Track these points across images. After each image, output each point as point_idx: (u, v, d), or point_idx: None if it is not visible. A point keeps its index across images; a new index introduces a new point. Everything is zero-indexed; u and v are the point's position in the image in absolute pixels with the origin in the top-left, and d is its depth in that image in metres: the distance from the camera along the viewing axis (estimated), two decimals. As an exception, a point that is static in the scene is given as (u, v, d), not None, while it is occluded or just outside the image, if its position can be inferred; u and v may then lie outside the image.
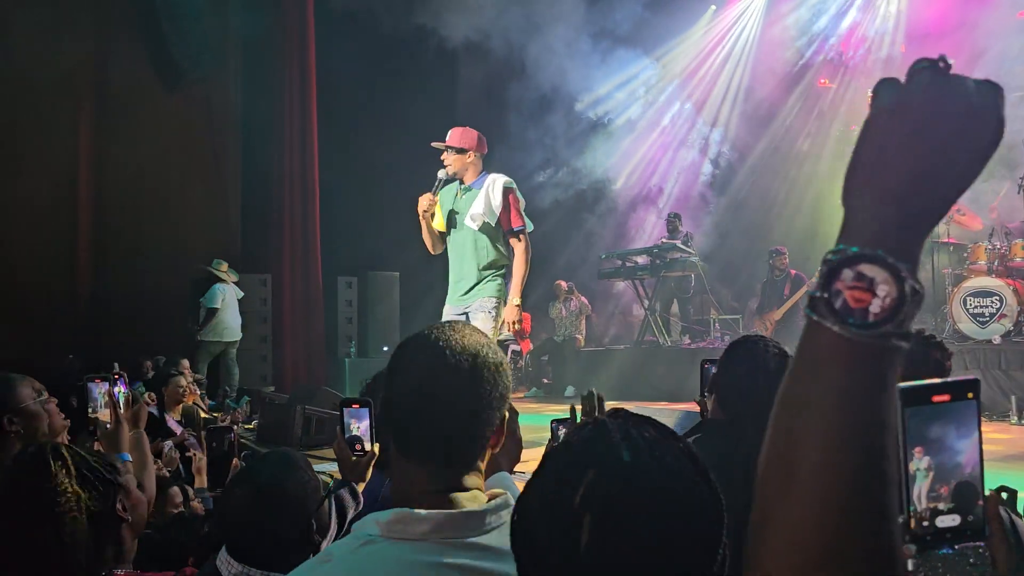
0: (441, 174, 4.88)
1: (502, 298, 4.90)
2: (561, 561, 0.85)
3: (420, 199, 4.85)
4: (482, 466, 1.26)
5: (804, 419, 0.59)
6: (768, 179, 12.72)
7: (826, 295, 0.60)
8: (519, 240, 4.86)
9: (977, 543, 0.77)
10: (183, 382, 5.21)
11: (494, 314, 4.88)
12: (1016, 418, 6.68)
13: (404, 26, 10.49)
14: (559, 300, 11.45)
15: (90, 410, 3.43)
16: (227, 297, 9.61)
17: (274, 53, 10.90)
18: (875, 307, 0.58)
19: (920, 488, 0.78)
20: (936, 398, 0.76)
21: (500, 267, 4.93)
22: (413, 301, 11.22)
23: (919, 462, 0.77)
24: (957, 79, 0.62)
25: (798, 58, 12.63)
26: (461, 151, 4.85)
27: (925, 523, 0.78)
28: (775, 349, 2.17)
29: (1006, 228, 8.27)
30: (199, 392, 6.95)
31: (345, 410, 2.07)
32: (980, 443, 0.78)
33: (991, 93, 0.61)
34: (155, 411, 4.59)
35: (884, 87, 0.63)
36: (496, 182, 4.84)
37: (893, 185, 0.60)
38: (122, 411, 3.03)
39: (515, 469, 1.81)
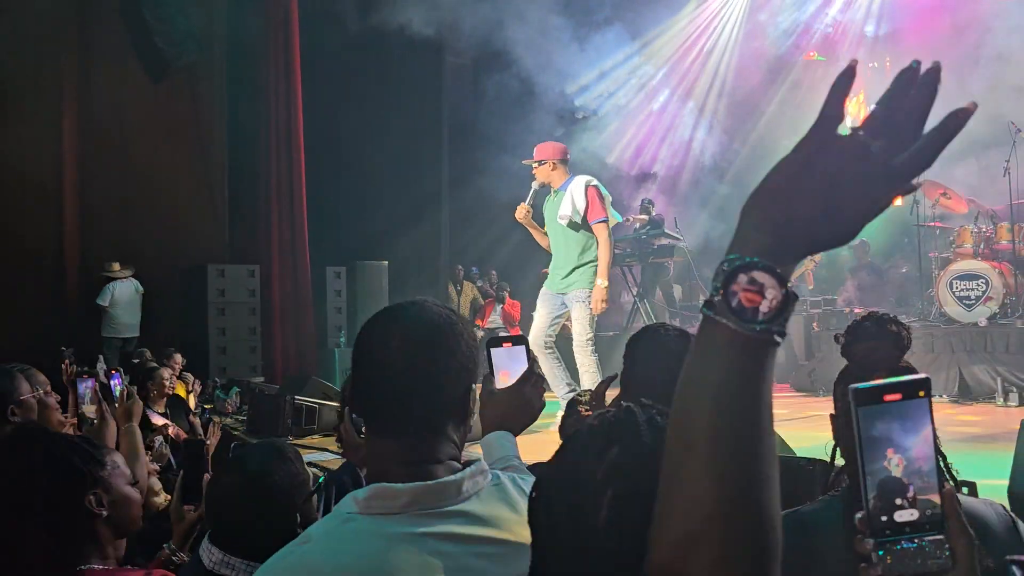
0: (534, 185, 5.74)
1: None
2: (578, 535, 0.88)
3: (517, 208, 5.67)
4: (456, 436, 1.26)
5: (699, 400, 0.69)
6: (756, 163, 12.75)
7: (723, 296, 0.69)
8: (601, 230, 5.53)
9: (937, 536, 0.81)
10: (167, 374, 5.19)
11: (587, 302, 5.60)
12: (1002, 399, 6.75)
13: (387, 18, 10.42)
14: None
15: (77, 406, 3.44)
16: (116, 295, 9.63)
17: (260, 43, 10.82)
18: (764, 307, 0.68)
19: (878, 484, 0.81)
20: (888, 397, 0.80)
21: (590, 259, 5.61)
22: (403, 290, 11.21)
23: (890, 460, 0.80)
24: (860, 143, 0.69)
25: (786, 39, 12.65)
26: (541, 163, 5.71)
27: (884, 518, 0.81)
28: (675, 332, 2.13)
29: (991, 211, 8.32)
30: (192, 379, 6.92)
31: (493, 351, 2.00)
32: (934, 439, 0.81)
33: (906, 166, 0.69)
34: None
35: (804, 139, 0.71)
36: (579, 182, 5.62)
37: (780, 219, 0.70)
38: (116, 406, 3.05)
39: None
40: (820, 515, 1.53)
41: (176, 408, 5.27)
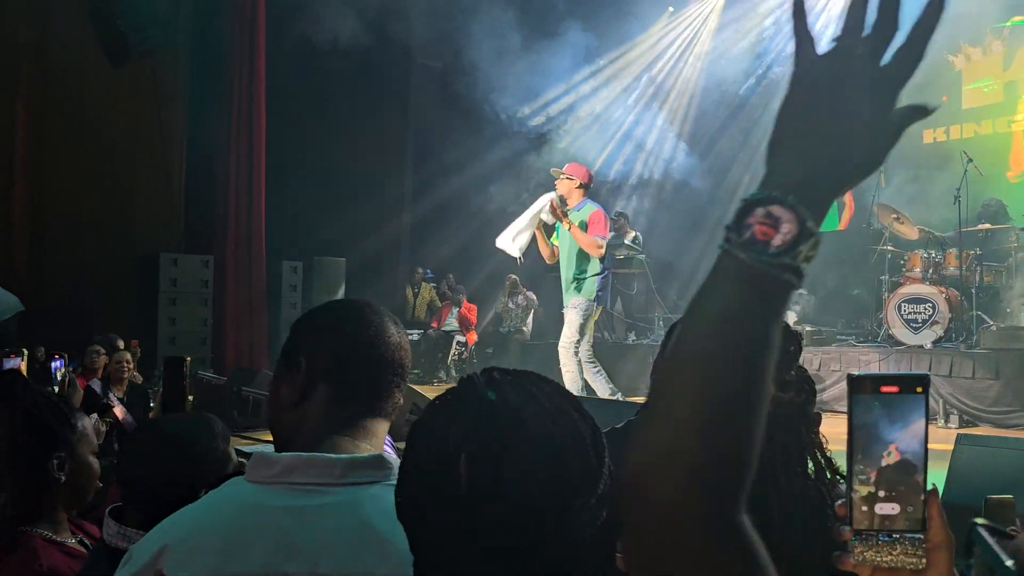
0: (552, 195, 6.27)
1: (592, 299, 6.16)
2: (445, 510, 0.84)
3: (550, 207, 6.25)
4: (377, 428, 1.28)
5: (697, 325, 0.69)
6: (718, 177, 12.91)
7: (737, 228, 0.68)
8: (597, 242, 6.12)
9: (916, 535, 0.80)
10: (126, 356, 5.07)
11: (581, 309, 6.13)
12: (943, 421, 6.90)
13: (357, 19, 10.36)
14: (505, 294, 11.48)
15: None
16: None
17: (225, 32, 10.68)
18: (776, 240, 0.67)
19: (862, 474, 0.80)
20: (884, 388, 0.79)
21: (593, 272, 6.16)
22: (359, 290, 11.13)
23: (879, 451, 0.79)
24: (843, 52, 0.70)
25: (754, 57, 12.80)
26: (570, 178, 6.25)
27: (864, 508, 0.80)
28: None
29: (941, 238, 8.51)
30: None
31: None
32: (926, 438, 0.80)
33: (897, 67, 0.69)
34: (98, 388, 4.45)
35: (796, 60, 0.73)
36: (592, 205, 6.28)
37: (798, 155, 0.70)
38: (57, 388, 2.98)
39: None
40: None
41: (137, 398, 5.11)
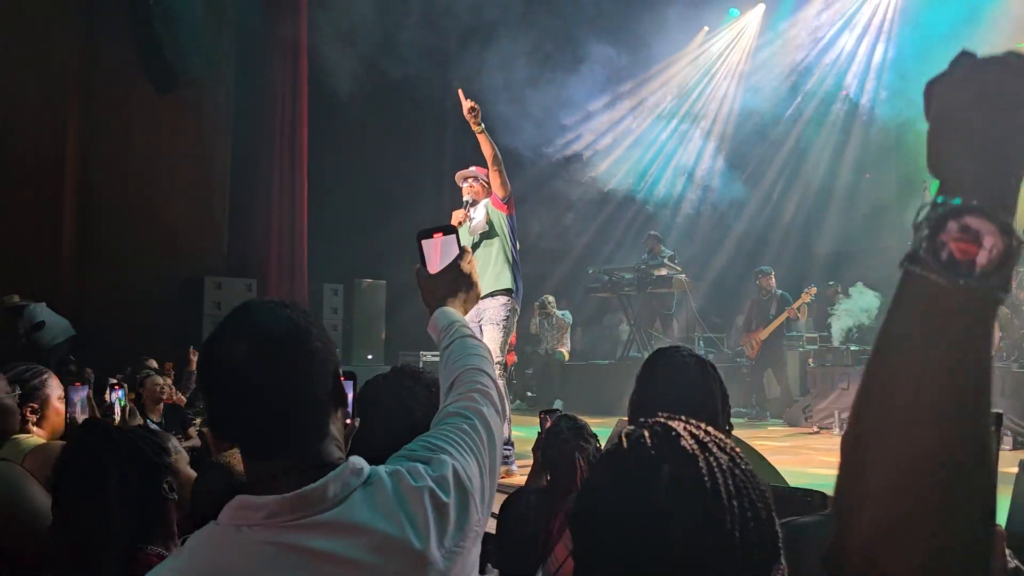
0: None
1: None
2: (646, 564, 0.82)
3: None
4: (335, 428, 1.20)
5: (909, 363, 0.60)
6: (761, 198, 12.81)
7: (929, 247, 0.60)
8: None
9: None
10: (160, 381, 5.15)
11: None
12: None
13: (394, 48, 10.49)
14: (536, 315, 11.41)
15: (68, 414, 3.42)
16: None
17: (267, 58, 10.90)
18: (982, 259, 0.59)
19: None
20: None
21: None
22: (399, 309, 11.20)
23: None
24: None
25: (795, 75, 12.71)
26: (476, 178, 5.48)
27: None
28: (691, 358, 2.06)
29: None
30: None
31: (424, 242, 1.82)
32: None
33: None
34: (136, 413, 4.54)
35: (956, 61, 0.65)
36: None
37: (978, 138, 0.61)
38: (118, 420, 3.05)
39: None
40: (811, 529, 1.50)
41: (173, 417, 5.22)
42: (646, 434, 0.87)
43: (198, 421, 5.16)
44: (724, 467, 0.83)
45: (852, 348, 8.44)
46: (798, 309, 9.19)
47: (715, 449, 0.85)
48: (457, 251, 1.60)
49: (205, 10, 10.77)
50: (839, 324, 8.88)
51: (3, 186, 9.43)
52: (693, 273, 11.01)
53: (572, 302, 12.10)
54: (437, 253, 1.62)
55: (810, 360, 9.10)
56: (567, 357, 11.13)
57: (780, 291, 9.46)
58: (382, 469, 1.18)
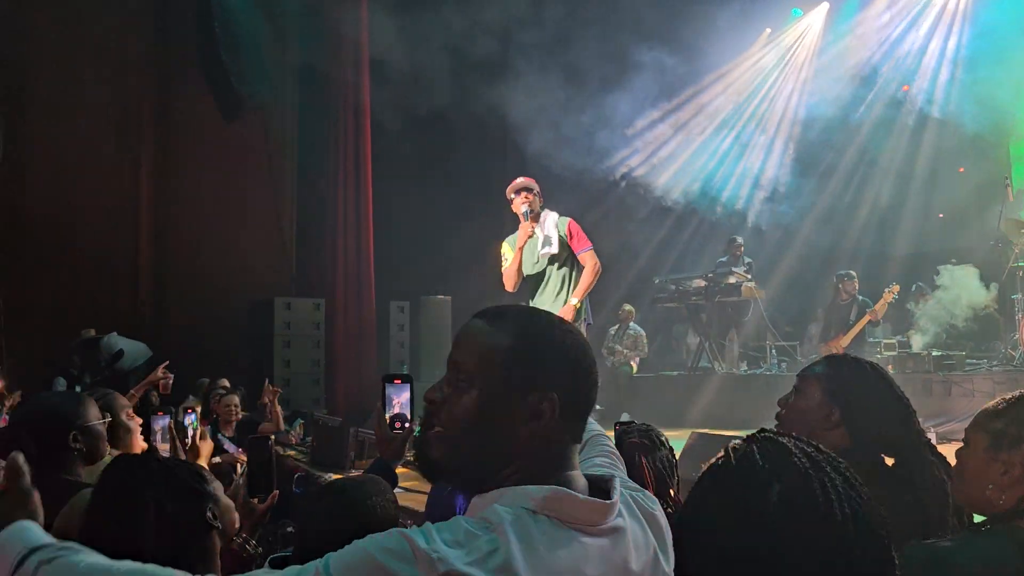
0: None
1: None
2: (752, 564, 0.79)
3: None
4: None
5: None
6: (830, 200, 12.47)
7: None
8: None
9: None
10: (235, 400, 5.24)
11: None
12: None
13: (455, 71, 10.52)
14: (615, 328, 11.19)
15: (150, 442, 3.49)
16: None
17: (330, 82, 11.07)
18: None
19: None
20: None
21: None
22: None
23: None
24: None
25: (862, 75, 12.36)
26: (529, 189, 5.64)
27: None
28: (881, 371, 2.05)
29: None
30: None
31: (387, 386, 2.13)
32: None
33: None
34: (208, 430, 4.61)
35: None
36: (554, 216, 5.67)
37: None
38: (190, 443, 3.10)
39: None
40: (957, 554, 1.41)
41: (246, 432, 5.29)
42: (754, 449, 0.81)
43: (272, 439, 5.22)
44: (839, 488, 0.76)
45: (935, 353, 8.11)
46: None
47: (828, 468, 0.78)
48: (409, 396, 1.98)
49: (268, 36, 11.03)
50: (923, 339, 8.63)
51: (81, 218, 9.75)
52: (761, 281, 10.75)
53: (638, 312, 11.92)
54: (396, 397, 2.01)
55: (890, 367, 8.76)
56: (635, 370, 10.94)
57: (861, 296, 9.15)
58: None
